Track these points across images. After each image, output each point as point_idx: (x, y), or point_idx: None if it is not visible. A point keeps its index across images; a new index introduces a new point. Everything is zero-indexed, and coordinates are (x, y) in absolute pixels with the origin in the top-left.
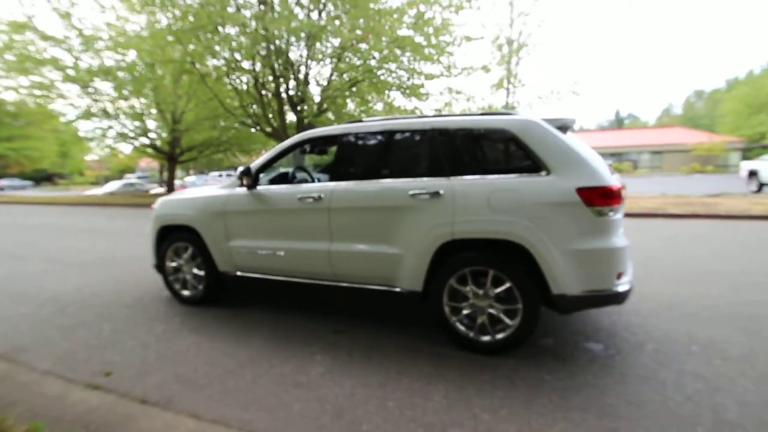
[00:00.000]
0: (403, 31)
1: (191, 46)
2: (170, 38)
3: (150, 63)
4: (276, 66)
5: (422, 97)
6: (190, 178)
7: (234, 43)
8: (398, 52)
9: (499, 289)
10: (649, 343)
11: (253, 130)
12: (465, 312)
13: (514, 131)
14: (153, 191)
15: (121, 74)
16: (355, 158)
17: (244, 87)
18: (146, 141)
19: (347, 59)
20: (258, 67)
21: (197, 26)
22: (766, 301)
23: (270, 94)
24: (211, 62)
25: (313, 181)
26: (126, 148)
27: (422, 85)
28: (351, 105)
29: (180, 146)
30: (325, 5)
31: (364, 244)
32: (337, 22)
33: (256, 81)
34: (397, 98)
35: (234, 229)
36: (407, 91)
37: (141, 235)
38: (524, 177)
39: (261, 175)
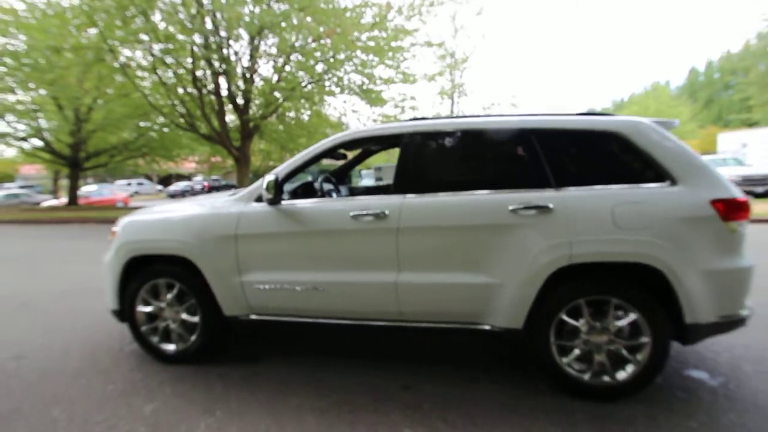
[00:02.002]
0: (361, 35)
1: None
2: (77, 21)
3: (54, 48)
4: (215, 61)
5: (381, 103)
6: (91, 187)
7: (162, 33)
8: (358, 53)
9: (622, 322)
10: (743, 363)
11: (182, 132)
12: (576, 351)
13: (627, 134)
14: (46, 203)
15: (7, 61)
16: (427, 165)
17: (174, 82)
18: (39, 143)
19: (299, 59)
20: (190, 61)
21: (121, 6)
22: None
23: (207, 92)
24: (134, 53)
25: (338, 192)
26: (8, 151)
27: (381, 91)
28: (295, 111)
29: (85, 150)
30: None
31: (445, 273)
32: (294, 20)
33: (194, 77)
34: (356, 103)
35: (251, 259)
36: (368, 95)
37: (54, 262)
38: (649, 188)
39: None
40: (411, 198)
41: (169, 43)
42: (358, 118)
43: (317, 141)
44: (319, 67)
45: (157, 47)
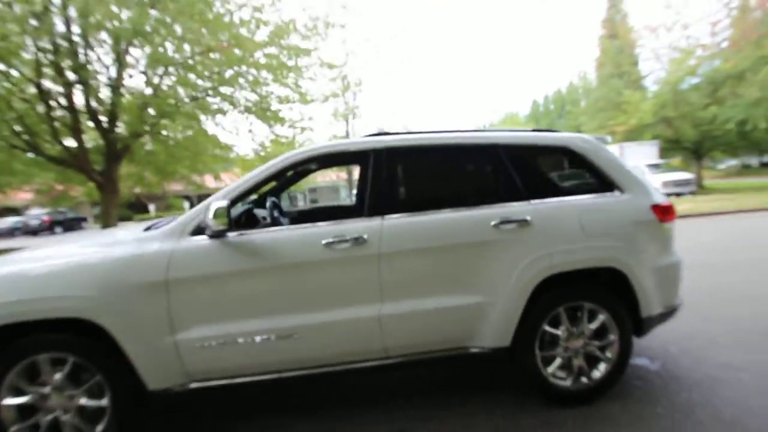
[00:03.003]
0: (255, 52)
1: None
2: None
3: None
4: (67, 70)
5: (281, 122)
6: None
7: None
8: (251, 70)
9: (594, 324)
10: (669, 346)
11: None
12: (558, 360)
13: (578, 149)
14: None
15: None
16: (402, 183)
17: (5, 92)
18: None
19: (180, 73)
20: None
21: None
22: None
23: (58, 105)
24: None
25: (281, 218)
26: None
27: (279, 110)
28: (173, 130)
29: None
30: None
31: (433, 298)
32: (178, 29)
33: (39, 88)
34: (253, 122)
35: (190, 310)
36: (264, 114)
37: None
38: (606, 196)
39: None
40: (391, 219)
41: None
42: (252, 138)
43: (203, 163)
44: (205, 83)
45: None
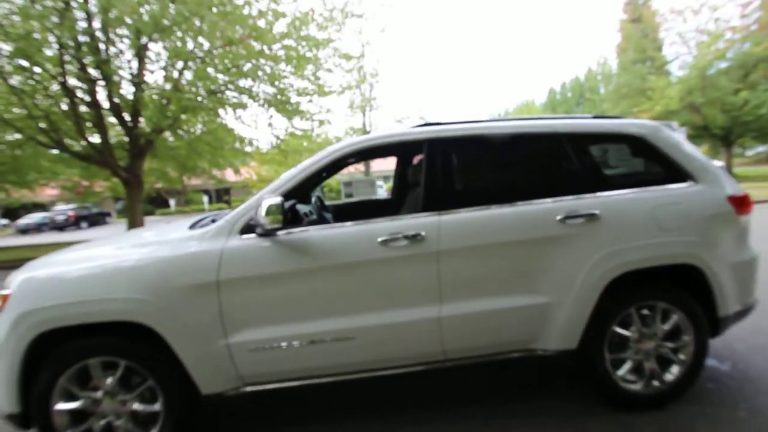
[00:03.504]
0: (273, 44)
1: None
2: None
3: None
4: (90, 66)
5: (302, 115)
6: None
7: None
8: (270, 62)
9: (668, 324)
10: (734, 343)
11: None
12: (629, 363)
13: (646, 137)
14: None
15: None
16: (460, 176)
17: (31, 89)
18: None
19: (200, 67)
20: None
21: None
22: None
23: (81, 101)
24: None
25: (326, 215)
26: None
27: (298, 103)
28: (192, 125)
29: None
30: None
31: (495, 298)
32: (197, 22)
33: (64, 85)
34: (273, 115)
35: (243, 312)
36: (284, 107)
37: None
38: (679, 188)
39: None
40: (448, 215)
41: (23, 42)
42: (272, 132)
43: (223, 157)
44: (224, 77)
45: (6, 47)
